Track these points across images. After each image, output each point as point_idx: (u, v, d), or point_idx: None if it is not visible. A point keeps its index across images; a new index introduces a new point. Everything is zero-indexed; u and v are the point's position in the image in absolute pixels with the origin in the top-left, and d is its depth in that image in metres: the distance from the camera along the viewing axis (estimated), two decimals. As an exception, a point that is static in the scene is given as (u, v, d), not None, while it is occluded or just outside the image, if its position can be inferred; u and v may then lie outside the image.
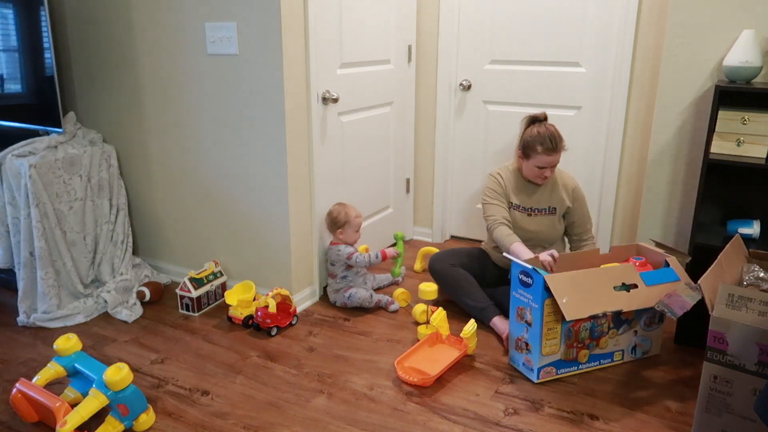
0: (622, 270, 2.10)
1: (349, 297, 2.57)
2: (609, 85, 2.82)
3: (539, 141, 2.38)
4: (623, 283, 2.06)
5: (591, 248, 2.42)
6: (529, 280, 2.00)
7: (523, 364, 2.11)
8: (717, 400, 1.70)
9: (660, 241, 2.41)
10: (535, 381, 2.06)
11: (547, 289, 1.94)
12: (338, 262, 2.58)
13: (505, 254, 2.27)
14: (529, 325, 2.03)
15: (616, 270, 2.09)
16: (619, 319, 2.12)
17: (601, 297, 2.02)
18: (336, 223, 2.59)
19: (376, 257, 2.58)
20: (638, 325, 2.17)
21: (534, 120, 2.47)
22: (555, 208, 2.50)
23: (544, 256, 2.17)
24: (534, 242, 2.51)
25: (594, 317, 2.04)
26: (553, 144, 2.37)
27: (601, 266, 2.18)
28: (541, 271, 1.95)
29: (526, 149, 2.43)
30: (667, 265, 2.18)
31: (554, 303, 1.96)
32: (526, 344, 2.07)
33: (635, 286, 2.07)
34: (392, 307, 2.58)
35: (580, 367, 2.12)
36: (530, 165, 2.44)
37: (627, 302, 2.03)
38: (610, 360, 2.16)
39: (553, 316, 1.99)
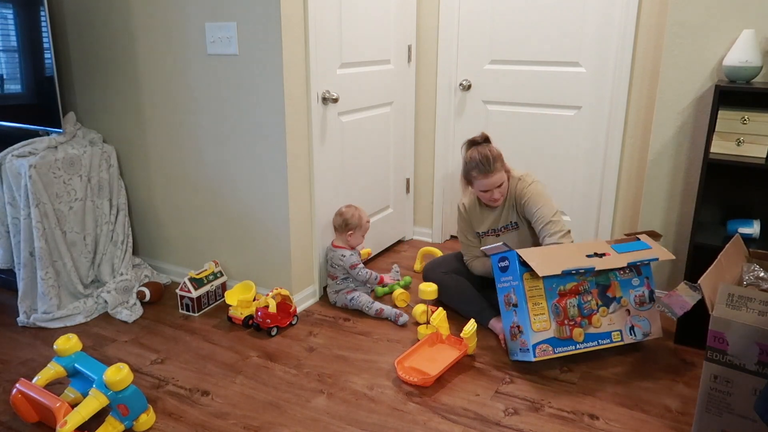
0: (594, 244, 2.21)
1: (351, 300, 2.56)
2: (609, 85, 2.82)
3: (473, 166, 2.35)
4: (595, 253, 2.16)
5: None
6: (506, 263, 2.09)
7: (520, 349, 2.10)
8: (717, 399, 1.70)
9: (629, 232, 2.49)
10: (533, 359, 2.03)
11: (522, 263, 2.04)
12: (340, 266, 2.59)
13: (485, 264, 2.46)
14: (516, 306, 2.08)
15: (587, 244, 2.21)
16: (606, 296, 2.15)
17: (574, 259, 2.12)
18: (347, 225, 2.59)
19: (375, 279, 2.62)
20: (629, 304, 2.19)
21: (472, 143, 2.42)
22: (516, 223, 2.47)
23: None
24: None
25: (579, 294, 2.11)
26: (486, 166, 2.32)
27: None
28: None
29: (466, 176, 2.41)
30: (638, 240, 2.28)
31: (534, 278, 2.05)
32: (518, 327, 2.08)
33: (606, 254, 2.17)
34: (401, 320, 2.48)
35: (578, 346, 2.10)
36: (476, 191, 2.43)
37: (599, 263, 2.12)
38: (609, 340, 2.15)
39: (536, 291, 2.05)
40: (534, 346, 2.04)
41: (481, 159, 2.33)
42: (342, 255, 2.58)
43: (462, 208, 2.55)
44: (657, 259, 2.19)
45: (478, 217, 2.52)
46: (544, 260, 2.07)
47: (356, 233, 2.61)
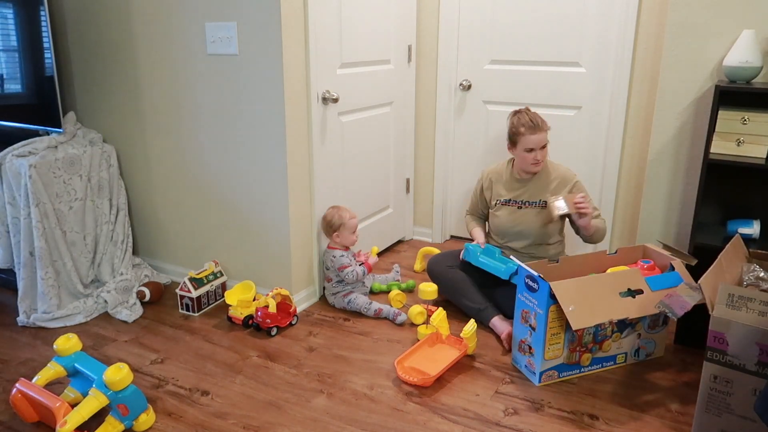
0: (628, 275, 2.09)
1: (348, 303, 2.56)
2: (609, 85, 2.82)
3: (521, 123, 2.45)
4: (629, 289, 2.05)
5: (599, 222, 2.47)
6: (535, 285, 2.00)
7: (526, 366, 2.11)
8: (717, 400, 1.70)
9: (666, 243, 2.40)
10: (537, 384, 2.06)
11: (552, 296, 1.93)
12: (332, 267, 2.59)
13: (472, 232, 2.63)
14: (533, 329, 2.03)
15: (621, 275, 2.08)
16: (623, 323, 2.11)
17: (607, 304, 2.00)
18: (331, 226, 2.59)
19: (363, 273, 2.59)
20: (642, 329, 2.16)
21: (515, 111, 2.53)
22: (545, 202, 2.50)
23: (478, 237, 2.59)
24: (523, 238, 2.54)
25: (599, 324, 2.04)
26: (534, 124, 2.43)
27: (608, 270, 2.19)
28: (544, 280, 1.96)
29: (512, 137, 2.49)
30: (673, 268, 2.16)
31: (559, 309, 1.95)
32: (530, 347, 2.06)
33: (641, 291, 2.05)
34: (399, 319, 2.50)
35: (582, 370, 2.11)
36: (520, 152, 2.48)
37: (633, 310, 2.02)
38: (612, 363, 2.16)
39: (558, 322, 1.99)
40: (541, 373, 2.04)
41: (530, 118, 2.45)
42: (333, 256, 2.58)
43: (484, 175, 2.69)
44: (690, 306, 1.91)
45: (504, 184, 2.59)
46: (577, 302, 1.94)
47: (342, 232, 2.58)
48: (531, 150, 2.44)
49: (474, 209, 2.76)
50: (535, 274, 1.99)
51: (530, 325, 2.04)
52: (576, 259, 2.24)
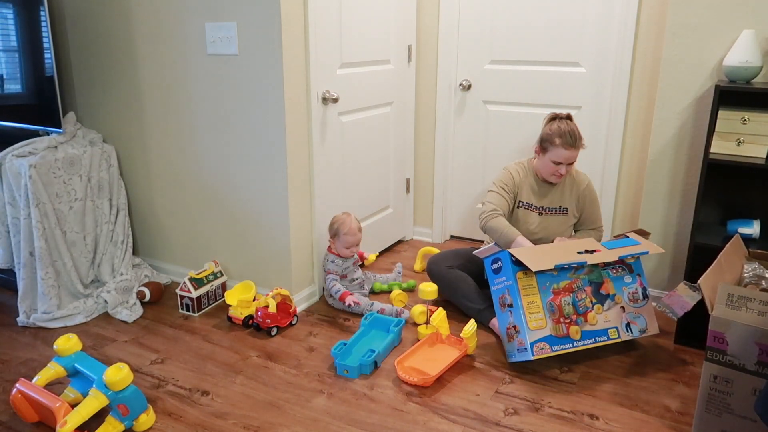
0: (584, 242, 2.25)
1: (348, 307, 2.55)
2: (609, 85, 2.82)
3: (558, 134, 2.35)
4: (585, 250, 2.20)
5: (599, 233, 2.54)
6: (499, 264, 2.11)
7: (518, 350, 2.09)
8: (717, 400, 1.70)
9: (645, 229, 2.47)
10: (531, 358, 2.02)
11: (516, 262, 2.05)
12: (327, 285, 2.59)
13: (496, 245, 2.30)
14: (511, 306, 2.08)
15: (577, 241, 2.25)
16: (600, 294, 2.17)
17: (566, 255, 2.14)
18: (329, 230, 2.60)
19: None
20: (623, 301, 2.19)
21: (556, 117, 2.44)
22: (566, 209, 2.50)
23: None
24: (542, 243, 2.51)
25: (573, 291, 2.12)
26: (572, 139, 2.34)
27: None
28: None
29: (544, 143, 2.40)
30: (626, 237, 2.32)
31: (527, 276, 2.06)
32: (515, 327, 2.08)
33: (597, 251, 2.20)
34: (404, 315, 2.49)
35: (576, 344, 2.09)
36: (546, 160, 2.40)
37: (590, 258, 2.14)
38: (605, 337, 2.15)
39: (530, 290, 2.06)
40: (532, 345, 2.03)
41: (569, 131, 2.36)
42: (326, 259, 2.59)
43: (513, 171, 2.51)
44: (647, 253, 2.20)
45: (528, 187, 2.51)
46: (536, 257, 2.09)
47: (336, 242, 2.57)
48: (558, 163, 2.38)
49: (503, 204, 2.45)
50: (494, 252, 2.12)
51: (509, 305, 2.10)
52: (536, 248, 2.25)
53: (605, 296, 2.17)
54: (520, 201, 2.51)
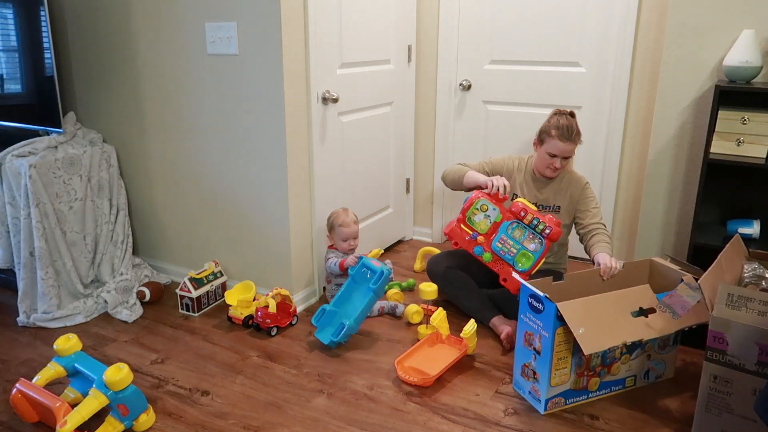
0: (639, 293, 2.00)
1: (351, 268, 2.53)
2: (609, 85, 2.82)
3: (555, 126, 2.35)
4: (640, 308, 1.96)
5: (602, 235, 2.34)
6: (540, 306, 1.86)
7: (530, 392, 1.97)
8: (717, 399, 1.70)
9: (674, 257, 2.28)
10: (542, 413, 1.91)
11: (559, 317, 1.80)
12: (327, 267, 2.59)
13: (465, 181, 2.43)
14: (538, 353, 1.88)
15: (632, 293, 1.99)
16: (633, 344, 1.97)
17: (619, 325, 1.88)
18: (327, 225, 2.61)
19: (335, 264, 2.51)
20: (653, 349, 2.03)
21: (558, 112, 2.44)
22: (559, 206, 2.49)
23: (498, 180, 2.34)
24: None
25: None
26: (568, 132, 2.34)
27: (618, 291, 2.04)
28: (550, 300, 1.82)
29: (542, 134, 2.41)
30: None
31: (567, 332, 1.82)
32: (534, 372, 1.92)
33: (653, 310, 1.96)
34: (398, 311, 2.54)
35: (590, 395, 1.98)
36: (543, 152, 2.40)
37: (647, 330, 1.91)
38: (621, 386, 2.03)
39: (565, 346, 1.85)
40: (547, 400, 1.90)
41: (567, 124, 2.35)
42: (326, 256, 2.59)
43: (510, 160, 2.55)
44: (690, 306, 1.91)
45: (523, 182, 2.51)
46: (587, 323, 1.82)
47: (333, 236, 2.58)
48: (554, 155, 2.37)
49: (474, 165, 2.55)
50: (541, 294, 1.84)
51: (534, 349, 1.90)
52: (582, 276, 2.06)
53: (637, 345, 1.98)
54: (514, 194, 2.52)
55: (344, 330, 2.22)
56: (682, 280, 1.96)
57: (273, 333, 2.39)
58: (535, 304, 1.88)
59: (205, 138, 2.59)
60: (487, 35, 3.06)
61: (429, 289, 2.38)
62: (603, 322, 1.87)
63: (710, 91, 2.33)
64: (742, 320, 1.61)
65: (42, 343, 2.35)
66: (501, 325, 2.34)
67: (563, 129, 2.34)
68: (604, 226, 2.41)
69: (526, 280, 2.00)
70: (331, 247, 2.61)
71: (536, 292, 1.87)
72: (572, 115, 2.41)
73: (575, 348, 1.86)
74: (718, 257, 1.85)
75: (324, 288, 2.72)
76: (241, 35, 2.35)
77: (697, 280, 1.93)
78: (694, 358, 2.24)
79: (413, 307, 2.47)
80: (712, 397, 1.70)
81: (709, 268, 1.77)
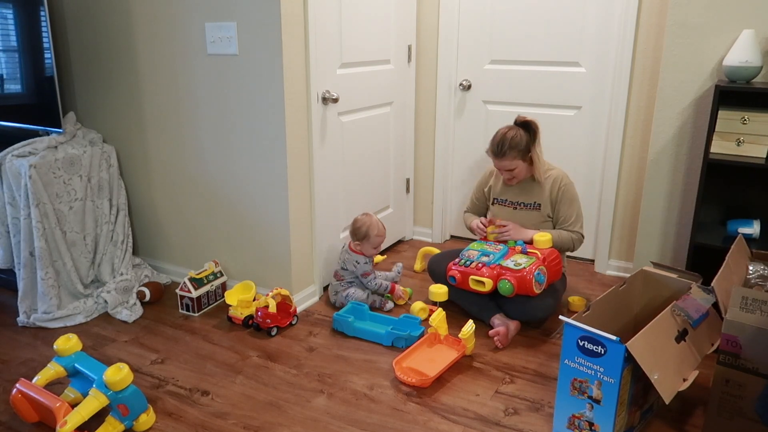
0: (670, 317, 1.81)
1: (346, 296, 2.56)
2: (609, 85, 2.82)
3: (491, 142, 2.40)
4: (678, 331, 1.80)
5: (572, 234, 2.43)
6: (599, 349, 1.62)
7: None
8: (729, 403, 1.67)
9: (658, 262, 2.22)
10: None
11: (627, 359, 1.58)
12: (351, 271, 2.59)
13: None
14: (597, 402, 1.67)
15: (665, 319, 1.79)
16: None
17: (676, 357, 1.73)
18: (356, 234, 2.59)
19: (386, 289, 2.60)
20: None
21: (515, 122, 2.43)
22: (540, 204, 2.49)
23: (476, 223, 2.51)
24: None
25: None
26: (498, 148, 2.36)
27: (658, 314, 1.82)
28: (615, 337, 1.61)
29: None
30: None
31: (630, 372, 1.63)
32: (591, 424, 1.70)
33: (685, 331, 1.81)
34: (387, 306, 2.59)
35: (633, 430, 1.80)
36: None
37: (694, 358, 1.78)
38: (650, 413, 1.89)
39: (626, 388, 1.65)
40: None
41: (498, 141, 2.37)
42: (357, 261, 2.57)
43: (489, 168, 2.64)
44: (705, 309, 1.83)
45: (500, 185, 2.57)
46: (655, 362, 1.64)
47: (364, 244, 2.59)
48: (499, 169, 2.43)
49: (473, 208, 2.72)
50: (603, 335, 1.60)
51: (590, 398, 1.68)
52: (603, 305, 1.91)
53: None
54: (494, 198, 2.58)
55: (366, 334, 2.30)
56: (690, 287, 1.90)
57: (273, 333, 2.39)
58: (591, 347, 1.63)
59: (206, 138, 2.59)
60: (487, 35, 3.06)
61: (440, 290, 2.39)
62: (666, 357, 1.69)
63: (710, 91, 2.33)
64: (757, 324, 1.58)
65: (42, 343, 2.34)
66: (498, 323, 2.34)
67: (493, 145, 2.39)
68: (576, 231, 2.45)
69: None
70: (355, 251, 2.59)
71: (596, 333, 1.62)
72: (525, 125, 2.38)
73: (631, 385, 1.67)
74: (726, 259, 1.83)
75: (326, 286, 2.72)
76: (241, 35, 2.35)
77: (699, 286, 1.91)
78: (703, 359, 2.23)
79: (419, 304, 2.48)
80: (724, 401, 1.67)
81: (719, 271, 1.76)
